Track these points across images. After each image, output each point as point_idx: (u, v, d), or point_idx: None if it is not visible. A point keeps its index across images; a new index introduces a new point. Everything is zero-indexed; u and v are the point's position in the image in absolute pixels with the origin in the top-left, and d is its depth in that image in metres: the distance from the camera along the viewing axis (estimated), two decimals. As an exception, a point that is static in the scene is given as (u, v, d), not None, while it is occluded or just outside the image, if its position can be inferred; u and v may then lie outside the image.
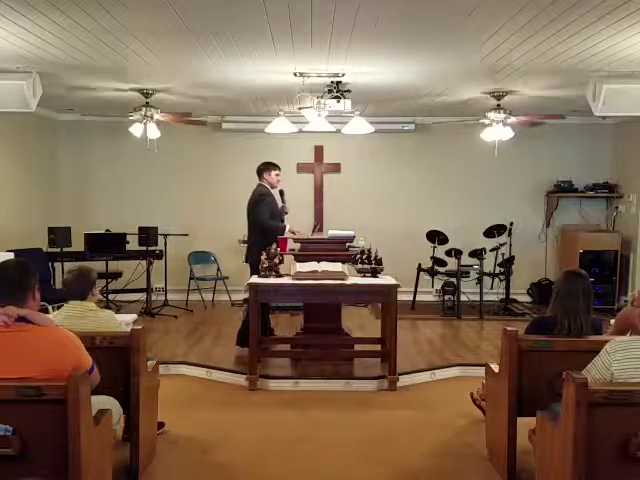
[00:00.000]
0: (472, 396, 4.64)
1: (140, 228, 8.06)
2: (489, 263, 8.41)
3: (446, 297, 8.27)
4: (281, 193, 6.60)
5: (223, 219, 8.96)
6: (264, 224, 6.21)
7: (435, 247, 8.36)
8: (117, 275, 8.35)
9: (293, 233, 6.39)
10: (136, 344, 3.47)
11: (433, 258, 8.36)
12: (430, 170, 9.07)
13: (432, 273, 8.38)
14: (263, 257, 5.66)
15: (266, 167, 6.48)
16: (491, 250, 8.30)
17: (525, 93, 6.67)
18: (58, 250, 7.59)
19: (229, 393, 5.23)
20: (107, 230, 8.39)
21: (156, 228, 8.15)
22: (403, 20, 4.12)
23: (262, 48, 4.87)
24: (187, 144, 8.93)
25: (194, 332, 7.18)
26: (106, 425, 2.98)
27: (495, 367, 3.83)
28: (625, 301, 6.91)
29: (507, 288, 8.51)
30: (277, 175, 6.46)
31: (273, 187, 6.49)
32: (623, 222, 8.66)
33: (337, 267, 5.44)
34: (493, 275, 8.56)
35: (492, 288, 8.78)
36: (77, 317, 3.51)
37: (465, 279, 8.28)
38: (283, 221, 6.44)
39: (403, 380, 5.39)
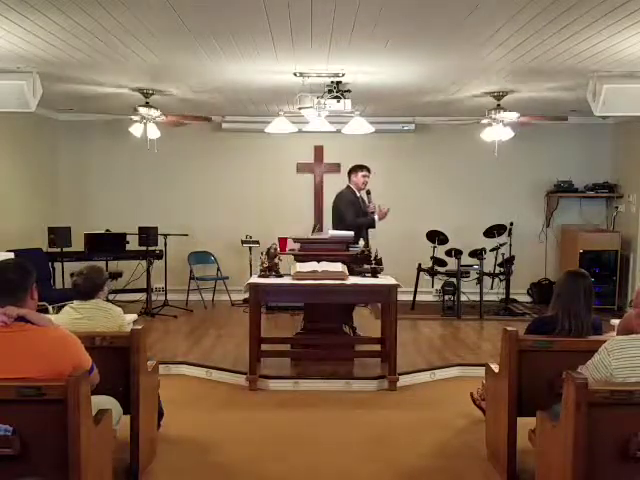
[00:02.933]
0: (472, 396, 4.64)
1: (140, 228, 8.06)
2: (489, 263, 8.41)
3: (446, 297, 8.27)
4: (367, 193, 6.69)
5: (223, 219, 8.98)
6: (354, 223, 6.34)
7: (435, 247, 8.35)
8: (117, 275, 8.34)
9: (385, 214, 6.56)
10: (136, 344, 3.47)
11: (433, 258, 8.36)
12: (430, 170, 9.07)
13: (432, 273, 8.38)
14: (263, 257, 5.67)
15: (353, 169, 6.67)
16: (491, 250, 8.30)
17: (525, 93, 6.68)
18: (58, 250, 7.58)
19: (229, 393, 5.23)
20: (107, 230, 8.40)
21: (156, 228, 8.15)
22: (403, 20, 4.12)
23: (262, 48, 4.87)
24: (187, 144, 8.93)
25: (194, 332, 7.18)
26: (106, 425, 2.98)
27: (495, 367, 3.83)
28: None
29: (507, 288, 8.51)
30: (364, 176, 6.59)
31: (360, 189, 6.62)
32: (623, 222, 8.66)
33: (337, 267, 5.44)
34: (493, 275, 8.56)
35: (492, 288, 8.77)
36: (90, 315, 3.64)
37: (465, 279, 8.28)
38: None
39: (403, 380, 5.39)
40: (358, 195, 6.65)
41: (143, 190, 8.99)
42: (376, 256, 5.72)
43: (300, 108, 5.96)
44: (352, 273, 5.56)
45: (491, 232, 8.28)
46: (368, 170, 6.65)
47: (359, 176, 6.59)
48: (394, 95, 6.99)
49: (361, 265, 5.67)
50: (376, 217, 6.53)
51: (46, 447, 2.55)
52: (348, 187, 6.65)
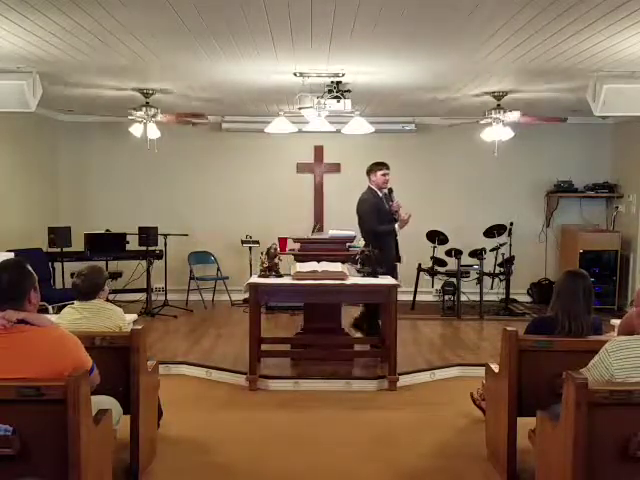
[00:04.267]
0: (472, 396, 4.64)
1: (140, 228, 8.06)
2: (489, 263, 8.41)
3: (446, 297, 8.27)
4: (389, 191, 6.35)
5: (223, 219, 8.98)
6: (376, 231, 6.13)
7: (435, 247, 8.35)
8: (117, 275, 8.35)
9: (406, 222, 6.25)
10: (136, 344, 3.47)
11: (433, 258, 8.36)
12: (430, 170, 9.06)
13: (432, 273, 8.38)
14: (263, 257, 5.67)
15: (372, 168, 6.34)
16: (491, 250, 8.30)
17: (525, 93, 6.67)
18: (58, 250, 7.58)
19: (229, 393, 5.23)
20: (107, 230, 8.40)
21: (156, 228, 8.15)
22: (403, 20, 4.12)
23: (262, 48, 4.87)
24: (187, 144, 8.93)
25: (194, 332, 7.19)
26: (106, 425, 2.98)
27: (495, 367, 3.83)
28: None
29: (507, 288, 8.51)
30: (384, 175, 6.26)
31: (381, 188, 6.30)
32: (623, 222, 8.66)
33: (337, 267, 5.44)
34: (493, 275, 8.56)
35: (492, 288, 8.77)
36: (90, 316, 3.64)
37: (465, 279, 8.28)
38: (396, 220, 6.27)
39: (403, 380, 5.39)
40: (381, 195, 6.30)
41: (143, 190, 8.99)
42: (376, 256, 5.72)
43: (300, 108, 5.96)
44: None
45: (491, 232, 8.29)
46: (387, 167, 6.33)
47: (378, 175, 6.26)
48: (394, 95, 6.99)
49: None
50: (397, 226, 6.20)
51: (46, 447, 2.55)
52: (369, 189, 6.32)
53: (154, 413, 3.96)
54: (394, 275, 5.94)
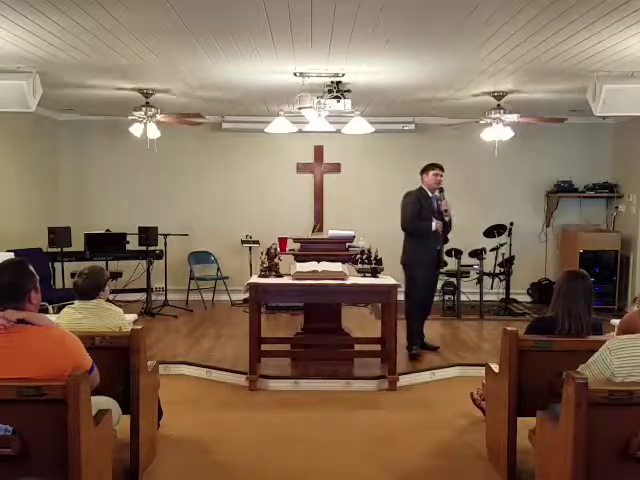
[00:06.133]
0: (472, 396, 4.64)
1: (140, 228, 8.06)
2: (489, 263, 8.41)
3: (446, 297, 8.27)
4: (440, 190, 6.18)
5: (223, 219, 8.99)
6: (406, 227, 6.15)
7: (435, 247, 8.34)
8: (117, 275, 8.33)
9: (443, 217, 6.12)
10: (136, 344, 3.47)
11: (433, 258, 8.35)
12: (430, 170, 9.05)
13: (432, 273, 8.37)
14: (263, 257, 5.67)
15: (425, 168, 6.23)
16: (491, 250, 8.30)
17: (525, 93, 6.68)
18: (58, 250, 7.58)
19: (229, 393, 5.23)
20: (107, 230, 8.40)
21: (156, 228, 8.15)
22: (403, 20, 4.12)
23: (262, 48, 4.88)
24: (187, 144, 8.93)
25: (194, 332, 7.18)
26: (106, 425, 2.98)
27: (495, 367, 3.83)
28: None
29: (507, 288, 8.50)
30: (435, 175, 6.10)
31: (432, 188, 6.16)
32: (623, 222, 8.66)
33: (337, 267, 5.44)
34: (493, 275, 8.56)
35: (492, 288, 8.77)
36: (90, 316, 3.63)
37: (465, 279, 8.28)
38: (444, 221, 6.13)
39: (403, 380, 5.39)
40: (430, 195, 6.12)
41: (143, 190, 8.99)
42: (376, 256, 5.72)
43: (300, 108, 5.95)
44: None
45: (491, 232, 8.29)
46: (440, 168, 6.17)
47: (430, 175, 6.13)
48: (394, 95, 6.99)
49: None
50: (434, 223, 6.03)
51: (46, 447, 2.55)
52: (419, 187, 6.20)
53: (154, 413, 3.96)
54: (417, 276, 5.99)
